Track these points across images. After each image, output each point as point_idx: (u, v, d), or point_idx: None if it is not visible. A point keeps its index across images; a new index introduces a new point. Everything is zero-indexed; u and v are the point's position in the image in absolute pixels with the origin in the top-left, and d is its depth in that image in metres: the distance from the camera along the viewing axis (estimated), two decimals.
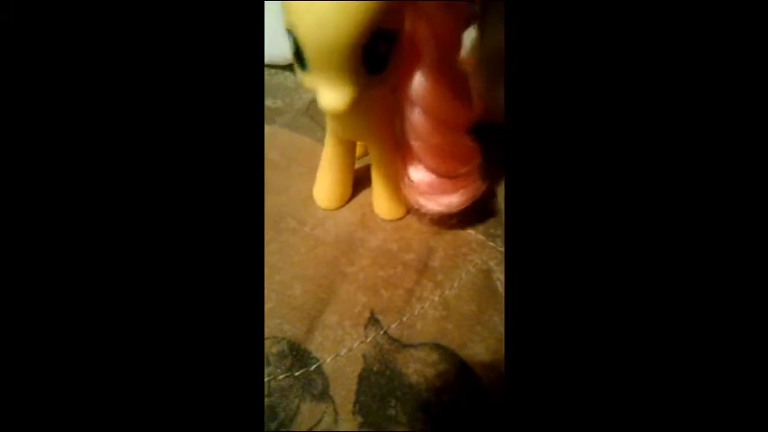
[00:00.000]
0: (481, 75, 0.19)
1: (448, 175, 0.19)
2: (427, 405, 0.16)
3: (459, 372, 0.17)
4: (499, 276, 0.20)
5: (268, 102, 0.28)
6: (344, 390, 0.16)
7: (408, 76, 0.17)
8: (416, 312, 0.19)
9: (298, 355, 0.17)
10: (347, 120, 0.18)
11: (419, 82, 0.17)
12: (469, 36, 0.19)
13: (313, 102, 0.28)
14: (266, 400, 0.16)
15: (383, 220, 0.22)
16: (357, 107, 0.15)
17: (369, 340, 0.18)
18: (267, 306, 0.18)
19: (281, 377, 0.17)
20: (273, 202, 0.22)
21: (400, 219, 0.22)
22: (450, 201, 0.19)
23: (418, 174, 0.19)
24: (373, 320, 0.18)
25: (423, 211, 0.20)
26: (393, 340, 0.18)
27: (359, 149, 0.23)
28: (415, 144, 0.18)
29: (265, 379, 0.17)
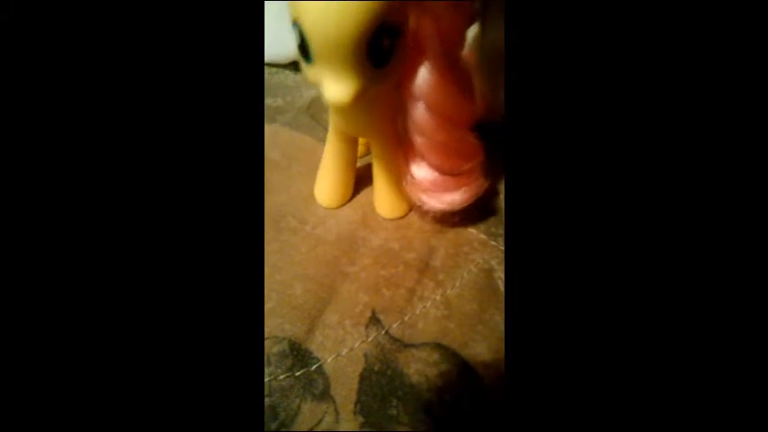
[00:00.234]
0: (482, 73, 0.19)
1: (451, 173, 0.19)
2: (429, 405, 0.16)
3: (460, 371, 0.17)
4: (501, 276, 0.20)
5: (269, 100, 0.28)
6: (345, 390, 0.16)
7: (412, 72, 0.17)
8: (418, 312, 0.18)
9: (298, 354, 0.17)
10: (350, 114, 0.18)
11: (423, 78, 0.17)
12: (470, 32, 0.19)
13: (314, 101, 0.28)
14: (267, 400, 0.16)
15: (384, 219, 0.22)
16: (361, 102, 0.15)
17: (370, 340, 0.18)
18: (268, 306, 0.18)
19: (281, 377, 0.17)
20: (274, 201, 0.22)
21: (402, 218, 0.22)
22: (452, 198, 0.19)
23: (421, 171, 0.19)
24: (374, 320, 0.18)
25: (425, 208, 0.20)
26: (394, 340, 0.18)
27: (360, 149, 0.23)
28: (419, 140, 0.18)
29: (266, 379, 0.17)
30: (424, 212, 0.21)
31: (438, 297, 0.19)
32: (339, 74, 0.14)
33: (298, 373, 0.17)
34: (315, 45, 0.14)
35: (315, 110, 0.27)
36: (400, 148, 0.20)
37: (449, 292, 0.19)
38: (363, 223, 0.21)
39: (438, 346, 0.17)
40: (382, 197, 0.21)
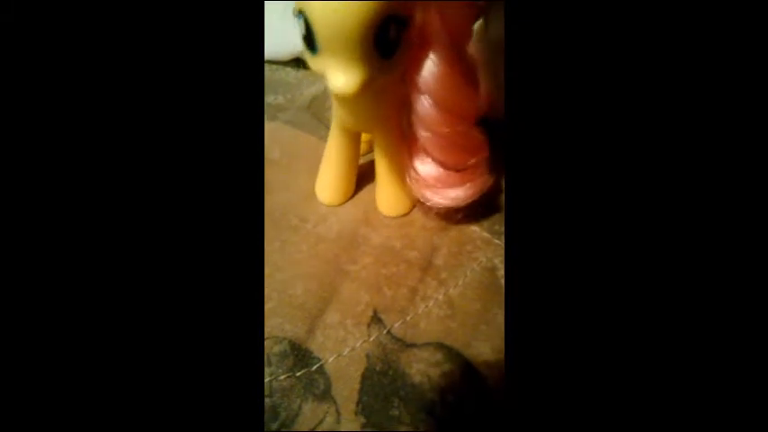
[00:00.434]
0: (486, 68, 0.19)
1: (455, 168, 0.19)
2: (431, 405, 0.16)
3: (463, 371, 0.17)
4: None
5: (269, 98, 0.28)
6: (347, 390, 0.16)
7: (418, 65, 0.17)
8: (420, 311, 0.18)
9: (299, 354, 0.17)
10: (355, 107, 0.18)
11: (429, 70, 0.16)
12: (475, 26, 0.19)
13: (315, 98, 0.28)
14: (268, 400, 0.16)
15: (386, 217, 0.21)
16: (366, 94, 0.15)
17: (372, 339, 0.17)
18: (268, 305, 0.18)
19: (282, 377, 0.16)
20: (275, 199, 0.22)
21: (404, 216, 0.21)
22: (456, 194, 0.19)
23: (425, 166, 0.19)
24: (376, 319, 0.18)
25: (428, 204, 0.20)
26: (396, 339, 0.17)
27: (362, 147, 0.22)
28: (423, 135, 0.18)
29: (267, 379, 0.16)
30: (427, 209, 0.21)
31: (440, 296, 0.19)
32: (345, 63, 0.14)
33: (299, 374, 0.17)
34: (321, 34, 0.14)
35: (316, 107, 0.27)
36: (404, 142, 0.19)
37: (451, 291, 0.19)
38: (365, 221, 0.21)
39: (440, 346, 0.17)
40: (384, 194, 0.21)
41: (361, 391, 0.16)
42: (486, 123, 0.19)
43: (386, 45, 0.14)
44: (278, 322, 0.18)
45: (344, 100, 0.17)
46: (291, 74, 0.30)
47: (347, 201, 0.22)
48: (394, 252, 0.20)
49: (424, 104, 0.17)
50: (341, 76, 0.14)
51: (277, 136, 0.25)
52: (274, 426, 0.15)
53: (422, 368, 0.17)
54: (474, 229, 0.21)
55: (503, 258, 0.20)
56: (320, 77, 0.15)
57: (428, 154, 0.19)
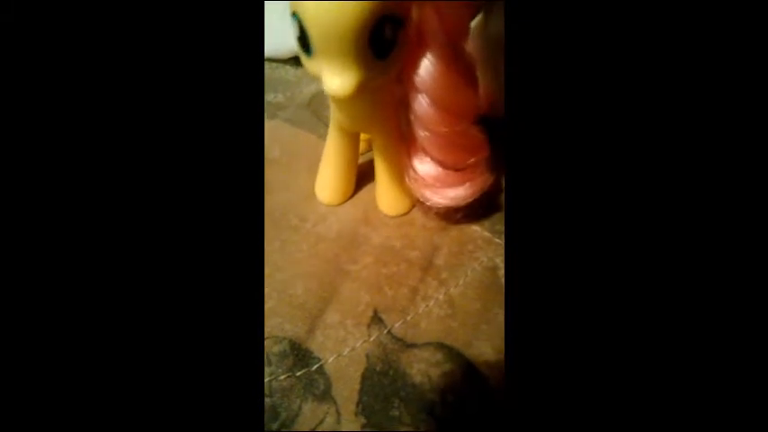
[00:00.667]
0: (486, 65, 0.19)
1: (455, 167, 0.19)
2: (432, 406, 0.16)
3: (464, 371, 0.17)
4: None
5: (269, 96, 0.28)
6: (347, 390, 0.16)
7: (415, 64, 0.16)
8: (421, 311, 0.18)
9: (299, 354, 0.17)
10: (352, 108, 0.18)
11: (426, 69, 0.16)
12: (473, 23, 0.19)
13: (315, 96, 0.28)
14: (267, 400, 0.16)
15: (386, 217, 0.21)
16: (362, 95, 0.15)
17: (372, 339, 0.17)
18: (268, 305, 0.18)
19: (282, 377, 0.16)
20: (274, 198, 0.22)
21: (404, 215, 0.21)
22: (456, 194, 0.19)
23: (424, 166, 0.19)
24: (376, 319, 0.18)
25: (428, 204, 0.20)
26: (397, 339, 0.17)
27: (362, 145, 0.22)
28: (421, 134, 0.18)
29: (266, 379, 0.16)
30: (427, 209, 0.21)
31: (441, 296, 0.19)
32: (340, 65, 0.14)
33: (298, 374, 0.16)
34: (315, 36, 0.14)
35: (316, 106, 0.27)
36: (403, 142, 0.19)
37: (452, 290, 0.19)
38: (365, 221, 0.21)
39: (441, 346, 0.17)
40: (384, 194, 0.21)
41: (362, 392, 0.16)
42: (486, 122, 0.19)
43: (381, 45, 0.14)
44: (278, 322, 0.18)
45: (341, 101, 0.17)
46: (291, 72, 0.30)
47: (347, 200, 0.22)
48: (394, 252, 0.20)
49: (421, 104, 0.17)
50: (336, 78, 0.14)
51: (277, 134, 0.25)
52: (274, 426, 0.15)
53: (422, 368, 0.17)
54: (475, 228, 0.21)
55: (504, 258, 0.20)
56: (315, 77, 0.15)
57: (427, 153, 0.19)
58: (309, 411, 0.16)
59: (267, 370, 0.17)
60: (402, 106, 0.18)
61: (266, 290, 0.19)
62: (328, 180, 0.21)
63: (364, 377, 0.16)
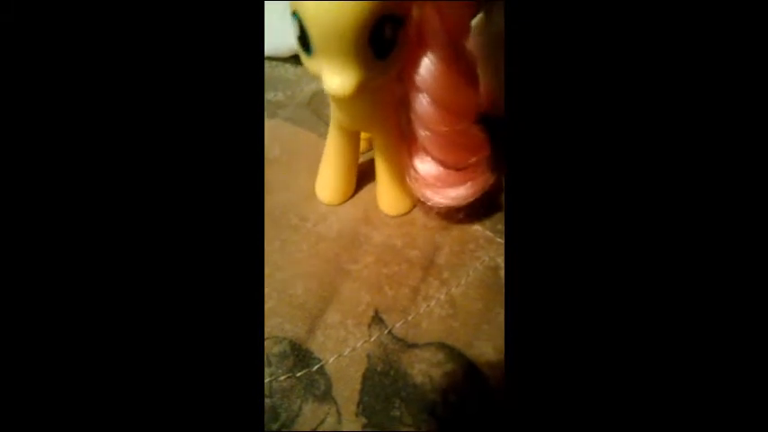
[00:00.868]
0: (486, 64, 0.18)
1: (455, 167, 0.19)
2: (433, 406, 0.16)
3: (465, 372, 0.17)
4: None
5: (269, 95, 0.28)
6: (348, 390, 0.16)
7: (415, 63, 0.16)
8: (422, 311, 0.18)
9: (299, 355, 0.17)
10: (352, 107, 0.18)
11: (426, 68, 0.16)
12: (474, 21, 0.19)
13: (315, 95, 0.27)
14: (268, 400, 0.16)
15: (387, 216, 0.21)
16: (363, 94, 0.15)
17: (373, 340, 0.17)
18: (268, 305, 0.18)
19: (282, 378, 0.16)
20: (274, 198, 0.22)
21: (405, 214, 0.21)
22: (457, 193, 0.19)
23: (424, 165, 0.19)
24: (377, 319, 0.18)
25: (429, 204, 0.20)
26: (398, 340, 0.17)
27: (362, 144, 0.22)
28: (422, 134, 0.18)
29: (267, 379, 0.16)
30: (428, 209, 0.21)
31: (442, 296, 0.19)
32: (340, 65, 0.14)
33: (299, 374, 0.16)
34: (315, 35, 0.14)
35: (316, 104, 0.27)
36: (403, 141, 0.19)
37: (454, 290, 0.19)
38: (365, 220, 0.21)
39: (442, 346, 0.17)
40: (385, 193, 0.21)
41: (362, 392, 0.16)
42: (487, 121, 0.19)
43: (381, 45, 0.14)
44: (278, 322, 0.18)
45: (341, 100, 0.17)
46: (291, 70, 0.29)
47: (347, 200, 0.22)
48: (395, 251, 0.20)
49: (422, 103, 0.17)
50: (336, 78, 0.14)
51: (277, 133, 0.25)
52: (275, 426, 0.15)
53: (423, 368, 0.17)
54: (476, 227, 0.21)
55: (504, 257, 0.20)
56: (315, 77, 0.15)
57: (428, 153, 0.18)
58: (310, 412, 0.16)
59: (267, 370, 0.16)
60: (402, 105, 0.18)
61: (266, 290, 0.19)
62: (329, 179, 0.21)
63: (365, 377, 0.16)
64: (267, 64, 0.30)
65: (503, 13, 0.19)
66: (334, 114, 0.19)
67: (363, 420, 0.15)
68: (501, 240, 0.20)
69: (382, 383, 0.16)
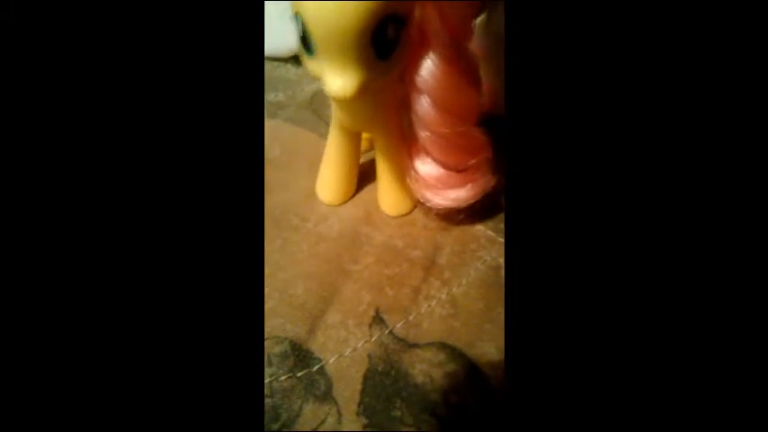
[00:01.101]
0: (489, 64, 0.18)
1: (456, 168, 0.19)
2: (434, 406, 0.16)
3: (467, 372, 0.16)
4: None
5: (269, 95, 0.28)
6: (348, 390, 0.16)
7: (417, 64, 0.16)
8: (423, 311, 0.18)
9: (300, 355, 0.17)
10: (353, 108, 0.18)
11: (428, 69, 0.16)
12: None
13: (316, 95, 0.27)
14: (268, 400, 0.16)
15: (388, 216, 0.21)
16: (364, 95, 0.15)
17: (373, 340, 0.17)
18: (269, 305, 0.18)
19: (283, 378, 0.16)
20: (275, 198, 0.22)
21: (406, 215, 0.21)
22: (457, 195, 0.19)
23: (425, 166, 0.19)
24: (378, 319, 0.18)
25: (429, 205, 0.19)
26: (399, 340, 0.17)
27: (363, 144, 0.22)
28: (423, 135, 0.18)
29: (267, 380, 0.16)
30: (428, 209, 0.21)
31: (444, 295, 0.18)
32: (342, 66, 0.14)
33: (299, 374, 0.16)
34: (316, 36, 0.14)
35: (317, 105, 0.27)
36: (404, 142, 0.19)
37: (455, 290, 0.19)
38: (366, 220, 0.21)
39: (444, 346, 0.17)
40: (386, 194, 0.21)
41: (363, 392, 0.16)
42: (490, 122, 0.19)
43: (383, 46, 0.14)
44: (279, 322, 0.18)
45: (342, 101, 0.17)
46: (292, 70, 0.29)
47: (348, 200, 0.22)
48: (396, 251, 0.20)
49: (423, 104, 0.17)
50: (337, 79, 0.14)
51: (277, 134, 0.25)
52: (275, 426, 0.15)
53: (424, 368, 0.17)
54: (478, 227, 0.21)
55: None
56: (316, 78, 0.15)
57: (428, 154, 0.18)
58: (310, 412, 0.16)
59: (268, 371, 0.16)
60: (404, 106, 0.18)
61: (267, 290, 0.19)
62: (329, 179, 0.21)
63: (366, 378, 0.16)
64: (268, 64, 0.30)
65: (503, 17, 0.19)
66: (336, 114, 0.19)
67: (364, 420, 0.15)
68: (502, 240, 0.20)
69: (383, 384, 0.16)
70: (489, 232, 0.21)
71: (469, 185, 0.19)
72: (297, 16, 0.14)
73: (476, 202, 0.19)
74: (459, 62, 0.16)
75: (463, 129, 0.18)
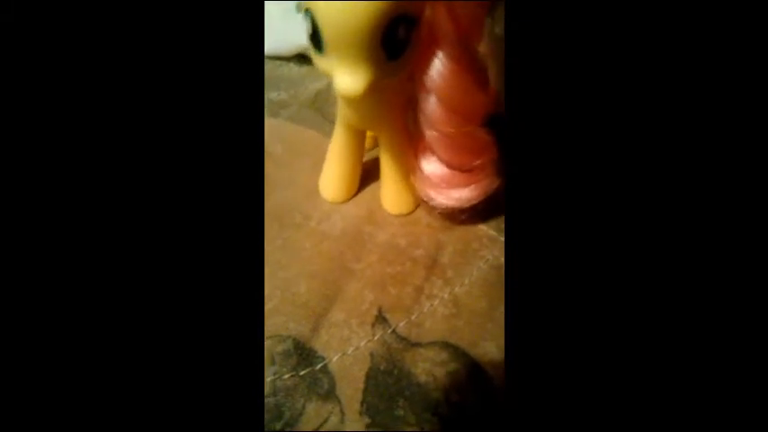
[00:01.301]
0: (495, 65, 0.18)
1: (461, 168, 0.19)
2: (436, 405, 0.16)
3: (469, 371, 0.16)
4: None
5: (272, 94, 0.27)
6: (351, 389, 0.16)
7: (425, 64, 0.16)
8: (425, 310, 0.18)
9: (303, 353, 0.17)
10: (361, 106, 0.18)
11: (437, 70, 0.16)
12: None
13: (318, 94, 0.27)
14: (271, 399, 0.16)
15: (391, 215, 0.21)
16: (372, 94, 0.15)
17: (376, 339, 0.17)
18: (272, 303, 0.18)
19: (286, 376, 0.16)
20: (278, 196, 0.22)
21: (409, 214, 0.21)
22: (461, 195, 0.19)
23: (430, 165, 0.19)
24: (381, 318, 0.18)
25: (432, 204, 0.19)
26: (401, 339, 0.17)
27: (367, 142, 0.22)
28: (429, 134, 0.18)
29: (270, 378, 0.16)
30: (431, 208, 0.21)
31: (446, 295, 0.18)
32: (352, 65, 0.14)
33: (302, 373, 0.16)
34: (327, 34, 0.14)
35: (320, 103, 0.27)
36: (410, 141, 0.19)
37: (457, 289, 0.19)
38: (369, 219, 0.21)
39: (446, 345, 0.17)
40: (389, 192, 0.21)
41: (366, 391, 0.16)
42: (495, 124, 0.19)
43: (394, 45, 0.14)
44: (282, 321, 0.18)
45: (350, 99, 0.17)
46: (294, 69, 0.29)
47: (351, 198, 0.22)
48: (399, 250, 0.20)
49: (430, 103, 0.17)
50: (347, 78, 0.14)
51: (280, 132, 0.25)
52: (278, 425, 0.15)
53: (427, 367, 0.17)
54: (481, 227, 0.21)
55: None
56: (325, 75, 0.15)
57: (433, 153, 0.18)
58: (313, 411, 0.16)
59: (271, 369, 0.16)
60: (411, 105, 0.18)
61: (270, 288, 0.18)
62: (333, 177, 0.21)
63: (368, 376, 0.16)
64: (270, 63, 0.30)
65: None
66: (342, 112, 0.19)
67: (367, 419, 0.15)
68: None
69: (386, 382, 0.16)
70: (491, 232, 0.21)
71: (473, 186, 0.19)
72: (307, 13, 0.14)
73: (478, 201, 0.19)
74: (467, 63, 0.16)
75: (469, 129, 0.18)
